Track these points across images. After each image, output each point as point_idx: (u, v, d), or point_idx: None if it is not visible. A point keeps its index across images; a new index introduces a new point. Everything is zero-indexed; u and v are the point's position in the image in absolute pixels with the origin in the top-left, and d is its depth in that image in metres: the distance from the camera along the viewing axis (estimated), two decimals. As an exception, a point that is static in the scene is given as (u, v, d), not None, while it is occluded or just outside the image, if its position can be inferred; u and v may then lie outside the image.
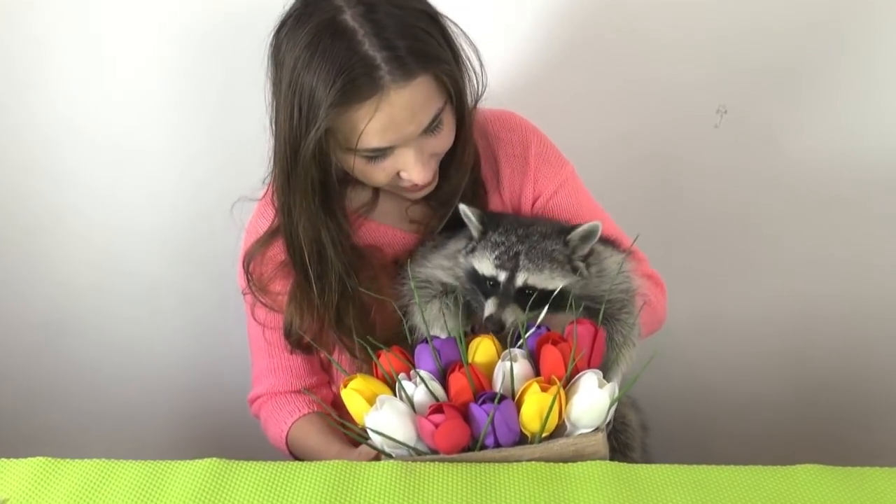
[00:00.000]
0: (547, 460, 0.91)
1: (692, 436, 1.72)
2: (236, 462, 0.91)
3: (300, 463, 0.92)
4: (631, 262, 1.11)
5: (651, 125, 1.51)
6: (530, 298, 1.01)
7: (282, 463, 0.91)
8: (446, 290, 1.08)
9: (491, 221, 1.07)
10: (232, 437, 1.46)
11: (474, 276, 1.05)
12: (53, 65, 1.45)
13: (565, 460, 0.91)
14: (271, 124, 1.04)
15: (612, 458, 0.93)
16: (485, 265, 1.04)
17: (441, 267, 1.10)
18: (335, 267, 1.09)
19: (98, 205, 1.56)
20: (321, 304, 1.10)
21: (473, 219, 1.06)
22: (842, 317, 1.63)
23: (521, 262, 1.02)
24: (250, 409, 1.28)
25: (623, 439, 1.15)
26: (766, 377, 1.69)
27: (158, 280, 1.61)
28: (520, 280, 1.01)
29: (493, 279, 1.03)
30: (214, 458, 0.91)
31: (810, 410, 1.70)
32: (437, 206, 1.15)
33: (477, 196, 1.16)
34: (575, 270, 1.04)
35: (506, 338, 1.01)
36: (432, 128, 1.02)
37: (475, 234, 1.07)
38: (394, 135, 0.99)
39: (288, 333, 1.14)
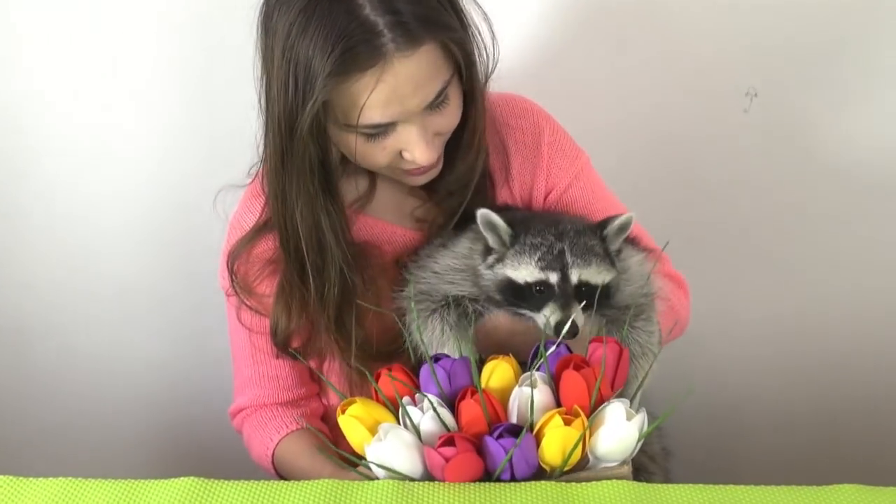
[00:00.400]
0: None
1: (718, 454, 1.72)
2: (217, 481, 0.91)
3: (288, 482, 0.92)
4: (652, 263, 1.11)
5: (673, 110, 1.51)
6: (584, 297, 1.01)
7: (267, 482, 0.91)
8: (448, 303, 1.07)
9: (519, 224, 1.06)
10: (212, 454, 1.46)
11: (509, 287, 1.04)
12: (13, 50, 1.44)
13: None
14: (261, 101, 1.03)
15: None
16: (526, 272, 1.03)
17: (451, 269, 1.09)
18: (336, 259, 1.08)
19: (62, 196, 1.55)
20: (318, 303, 1.10)
21: (500, 224, 1.04)
22: (885, 322, 1.62)
23: (569, 259, 1.02)
24: (232, 423, 1.28)
25: (641, 480, 1.15)
26: (802, 390, 1.69)
27: (130, 279, 1.61)
28: (574, 277, 1.02)
29: (543, 283, 1.02)
30: (193, 477, 0.91)
31: (852, 426, 1.70)
32: (445, 198, 1.14)
33: (483, 190, 1.15)
34: (613, 264, 1.06)
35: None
36: (438, 103, 1.01)
37: (505, 238, 1.05)
38: (397, 109, 0.98)
39: (274, 334, 1.14)
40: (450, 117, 1.05)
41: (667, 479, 1.21)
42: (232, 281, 1.16)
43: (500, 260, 1.05)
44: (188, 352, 1.66)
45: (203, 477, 0.91)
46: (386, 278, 1.14)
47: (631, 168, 1.50)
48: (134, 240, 1.59)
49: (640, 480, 1.12)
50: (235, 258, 1.15)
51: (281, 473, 1.20)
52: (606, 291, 1.04)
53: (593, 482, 0.90)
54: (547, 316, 1.00)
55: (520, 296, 1.04)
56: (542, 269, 1.02)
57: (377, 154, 1.04)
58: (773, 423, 1.72)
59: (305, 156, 1.01)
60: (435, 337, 1.06)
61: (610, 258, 1.06)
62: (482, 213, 1.05)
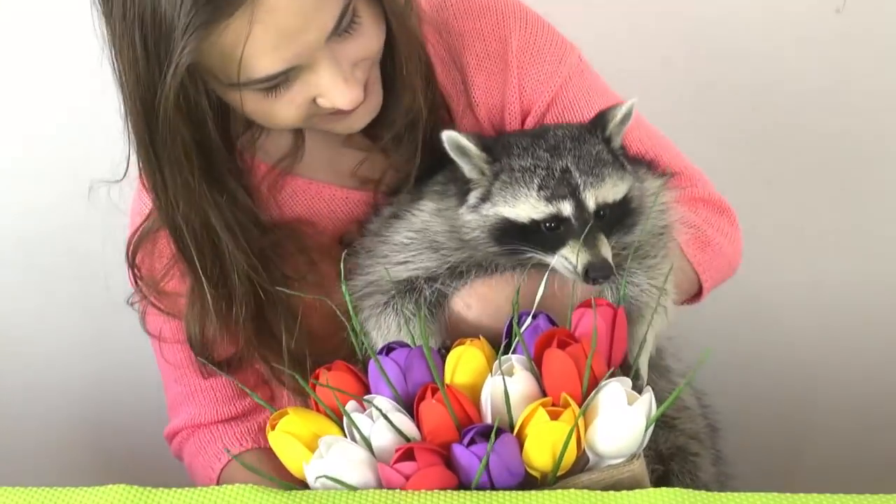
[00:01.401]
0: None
1: (786, 452, 1.74)
2: (153, 489, 0.93)
3: (242, 486, 0.93)
4: (669, 191, 1.09)
5: (743, 11, 1.50)
6: (606, 221, 1.00)
7: (215, 488, 0.93)
8: (401, 291, 1.06)
9: (496, 144, 1.04)
10: (146, 459, 1.48)
11: (507, 230, 1.02)
12: None
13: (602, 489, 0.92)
14: (114, 76, 1.00)
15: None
16: (527, 206, 1.00)
17: (403, 246, 1.07)
18: (237, 264, 1.08)
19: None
20: (229, 319, 1.11)
21: (472, 146, 1.01)
22: None
23: (578, 179, 1.00)
24: (170, 449, 1.30)
25: (682, 467, 1.15)
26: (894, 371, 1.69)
27: (47, 258, 1.64)
28: (591, 200, 0.99)
29: (554, 217, 1.00)
30: (124, 485, 0.93)
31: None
32: (392, 144, 1.12)
33: (438, 123, 1.13)
34: (625, 167, 1.04)
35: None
36: (344, 27, 0.98)
37: (483, 168, 1.03)
38: (291, 50, 0.95)
39: (192, 346, 1.15)
40: (367, 40, 1.02)
41: (717, 462, 1.21)
42: (135, 277, 1.16)
43: (485, 198, 1.03)
44: (119, 342, 1.64)
45: (137, 485, 0.93)
46: (330, 260, 1.12)
47: (685, 92, 1.51)
48: (48, 212, 1.61)
49: (681, 464, 1.14)
50: (137, 249, 1.15)
51: None
52: (625, 207, 1.03)
53: (628, 492, 0.91)
54: (569, 259, 0.99)
55: (523, 238, 1.01)
56: (549, 199, 0.99)
57: (284, 110, 1.02)
58: (855, 408, 1.72)
59: (176, 139, 0.99)
60: (391, 337, 1.06)
61: (620, 161, 1.04)
62: (447, 134, 1.02)
